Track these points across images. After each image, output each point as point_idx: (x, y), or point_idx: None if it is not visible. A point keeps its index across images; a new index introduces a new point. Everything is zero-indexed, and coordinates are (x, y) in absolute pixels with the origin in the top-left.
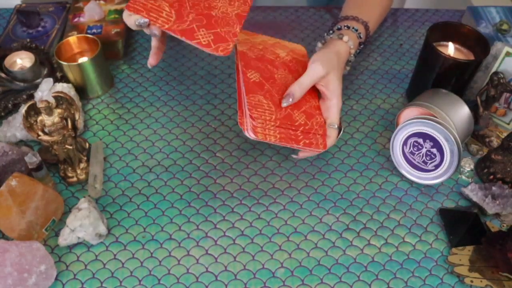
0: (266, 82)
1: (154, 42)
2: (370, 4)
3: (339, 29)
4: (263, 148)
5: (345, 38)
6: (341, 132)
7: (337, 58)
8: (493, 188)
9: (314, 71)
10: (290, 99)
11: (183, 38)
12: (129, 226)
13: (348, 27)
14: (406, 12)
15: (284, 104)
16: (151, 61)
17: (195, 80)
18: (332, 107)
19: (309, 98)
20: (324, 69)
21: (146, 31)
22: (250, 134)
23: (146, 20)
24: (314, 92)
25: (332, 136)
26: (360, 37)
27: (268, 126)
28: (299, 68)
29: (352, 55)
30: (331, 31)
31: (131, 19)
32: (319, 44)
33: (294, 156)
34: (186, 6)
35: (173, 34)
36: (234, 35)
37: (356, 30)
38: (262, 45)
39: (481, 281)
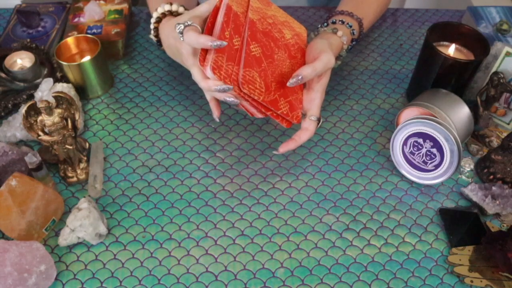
0: (265, 59)
1: (210, 97)
2: (367, 1)
3: (334, 23)
4: (263, 148)
5: (339, 32)
6: (320, 123)
7: (331, 50)
8: (493, 188)
9: (329, 61)
10: (298, 79)
11: (261, 110)
12: (129, 226)
13: (343, 22)
14: (406, 12)
15: (290, 83)
16: (217, 113)
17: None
18: (315, 100)
19: (297, 89)
20: (334, 62)
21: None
22: (207, 71)
23: (236, 101)
24: (302, 86)
25: (311, 129)
26: (354, 34)
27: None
28: (298, 55)
29: (344, 50)
30: (325, 24)
31: (211, 84)
32: (312, 35)
33: (274, 152)
34: (268, 74)
35: (257, 106)
36: (301, 101)
37: (350, 26)
38: (272, 20)
39: (481, 281)
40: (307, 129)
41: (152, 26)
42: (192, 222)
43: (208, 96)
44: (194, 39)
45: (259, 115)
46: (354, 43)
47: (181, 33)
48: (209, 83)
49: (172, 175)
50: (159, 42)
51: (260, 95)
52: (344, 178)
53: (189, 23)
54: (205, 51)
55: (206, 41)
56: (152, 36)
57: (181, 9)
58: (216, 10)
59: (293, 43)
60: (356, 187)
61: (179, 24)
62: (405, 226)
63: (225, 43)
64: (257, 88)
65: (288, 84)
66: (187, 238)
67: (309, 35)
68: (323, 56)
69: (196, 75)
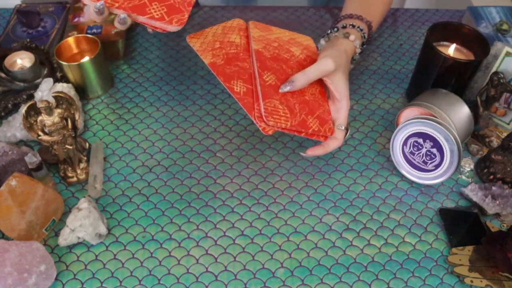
0: (281, 84)
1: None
2: (374, 3)
3: (344, 27)
4: (263, 148)
5: (352, 37)
6: (348, 133)
7: (346, 57)
8: (493, 188)
9: (323, 65)
10: (289, 87)
11: (134, 15)
12: (129, 226)
13: (353, 26)
14: (406, 12)
15: (281, 90)
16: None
17: (195, 80)
18: (341, 109)
19: (322, 102)
20: (333, 65)
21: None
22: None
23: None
24: (325, 95)
25: (339, 138)
26: (364, 37)
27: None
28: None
29: (357, 54)
30: (335, 29)
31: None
32: (322, 41)
33: (302, 154)
34: (289, 98)
35: (124, 12)
36: (189, 4)
37: (361, 30)
38: (277, 42)
39: (481, 281)
40: (336, 138)
41: None
42: (192, 222)
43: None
44: None
45: (170, 28)
46: (364, 46)
47: None
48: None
49: (172, 175)
50: None
51: (287, 121)
52: (344, 178)
53: None
54: None
55: None
56: None
57: None
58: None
59: (304, 57)
60: (356, 187)
61: None
62: (405, 226)
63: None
64: (282, 115)
65: (280, 90)
66: (187, 238)
67: (318, 42)
68: (318, 61)
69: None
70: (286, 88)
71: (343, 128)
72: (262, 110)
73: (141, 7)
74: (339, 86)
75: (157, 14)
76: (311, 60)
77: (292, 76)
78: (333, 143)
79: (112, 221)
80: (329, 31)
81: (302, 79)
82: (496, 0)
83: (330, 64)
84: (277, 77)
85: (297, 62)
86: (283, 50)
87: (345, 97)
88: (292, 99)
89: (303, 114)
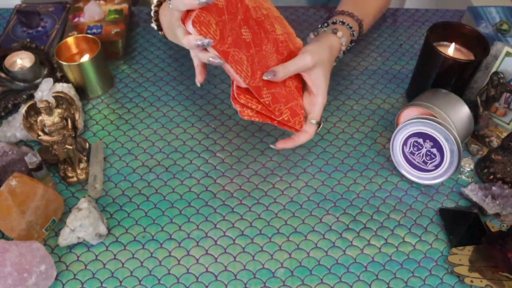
0: (254, 46)
1: (197, 62)
2: (367, 1)
3: (334, 23)
4: (263, 148)
5: (339, 33)
6: (320, 127)
7: (329, 52)
8: (493, 188)
9: (301, 61)
10: (272, 75)
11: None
12: (129, 226)
13: (343, 23)
14: (406, 12)
15: (264, 77)
16: (200, 78)
17: (195, 80)
18: (317, 103)
19: (297, 96)
20: (311, 62)
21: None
22: (188, 25)
23: (211, 40)
24: (301, 91)
25: (310, 132)
26: (353, 35)
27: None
28: (284, 52)
29: (341, 51)
30: (325, 24)
31: (191, 38)
32: (311, 35)
33: (271, 145)
34: (255, 62)
35: (220, 60)
36: (301, 107)
37: (351, 28)
38: (267, 11)
39: (481, 281)
40: (307, 131)
41: (153, 10)
42: (192, 222)
43: (195, 61)
44: (179, 1)
45: (243, 84)
46: (352, 44)
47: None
48: (189, 38)
49: (172, 175)
50: (159, 27)
51: (246, 78)
52: (344, 178)
53: None
54: (187, 11)
55: (192, 0)
56: (153, 22)
57: None
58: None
59: (282, 39)
60: (356, 187)
61: None
62: (405, 226)
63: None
64: (244, 70)
65: (263, 77)
66: (187, 238)
67: (308, 36)
68: (298, 56)
69: (179, 35)
70: (268, 77)
71: (315, 122)
72: (235, 88)
73: (258, 90)
74: (316, 81)
75: (286, 117)
76: (287, 46)
77: (264, 44)
78: (304, 136)
79: (112, 221)
80: (319, 26)
81: (282, 71)
82: (496, 0)
83: (308, 60)
84: (253, 38)
85: (274, 39)
86: (268, 22)
87: (322, 93)
88: (258, 65)
89: (260, 83)
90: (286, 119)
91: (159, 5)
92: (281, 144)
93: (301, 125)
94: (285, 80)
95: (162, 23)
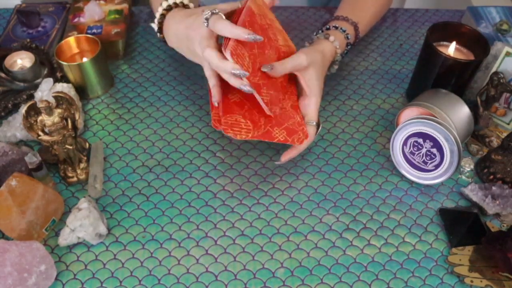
0: (257, 48)
1: (214, 82)
2: (363, 5)
3: (328, 29)
4: (263, 148)
5: (331, 38)
6: (319, 128)
7: (321, 56)
8: (493, 188)
9: (297, 58)
10: (270, 68)
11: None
12: (129, 226)
13: (336, 28)
14: (406, 12)
15: (263, 69)
16: (218, 98)
17: (195, 80)
18: (310, 105)
19: (293, 114)
20: (306, 60)
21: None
22: (227, 54)
23: (246, 73)
24: (297, 109)
25: (310, 133)
26: (348, 38)
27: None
28: None
29: (339, 55)
30: (320, 31)
31: (228, 65)
32: (306, 44)
33: (277, 163)
34: (257, 61)
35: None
36: (299, 124)
37: (344, 31)
38: (270, 22)
39: (481, 281)
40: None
41: (159, 13)
42: (192, 222)
43: (211, 82)
44: (227, 28)
45: (269, 112)
46: (349, 47)
47: (207, 19)
48: (227, 65)
49: (172, 175)
50: (160, 30)
51: (248, 132)
52: (344, 178)
53: (216, 11)
54: (228, 39)
55: (242, 33)
56: (155, 23)
57: (191, 5)
58: (240, 10)
59: (284, 50)
60: (356, 187)
61: (206, 11)
62: (405, 226)
63: (260, 37)
64: (244, 128)
65: (262, 68)
66: (187, 238)
67: (304, 45)
68: (293, 55)
69: (213, 56)
70: (267, 69)
71: (314, 123)
72: (222, 123)
73: (268, 134)
74: (310, 82)
75: (281, 138)
76: (286, 56)
77: (267, 49)
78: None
79: (112, 221)
80: (314, 34)
81: (279, 67)
82: (496, 0)
83: (303, 58)
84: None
85: (276, 47)
86: (271, 31)
87: (315, 94)
88: (259, 64)
89: (268, 126)
90: (282, 139)
91: (169, 9)
92: (286, 156)
93: (301, 141)
94: (281, 100)
95: (169, 29)
